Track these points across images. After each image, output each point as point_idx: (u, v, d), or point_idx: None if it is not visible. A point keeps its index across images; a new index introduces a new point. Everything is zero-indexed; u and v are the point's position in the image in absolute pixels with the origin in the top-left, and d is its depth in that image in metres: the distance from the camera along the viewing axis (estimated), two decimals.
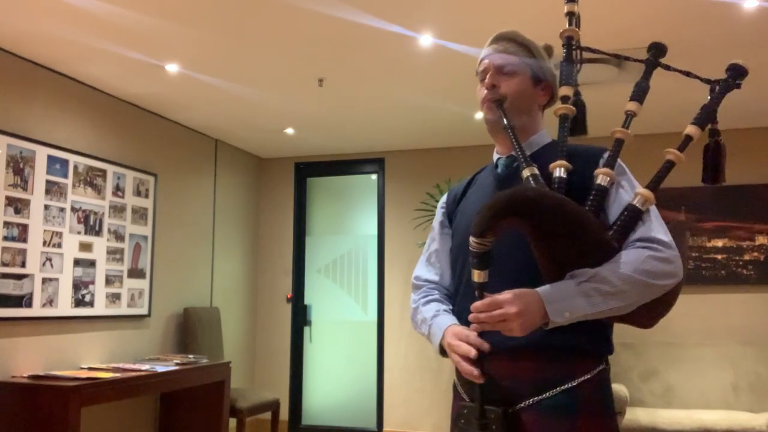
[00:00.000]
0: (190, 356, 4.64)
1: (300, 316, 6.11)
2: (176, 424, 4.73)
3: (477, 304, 1.35)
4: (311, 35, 3.49)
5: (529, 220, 1.33)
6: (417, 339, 5.66)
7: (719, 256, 5.09)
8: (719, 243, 5.10)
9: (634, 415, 4.44)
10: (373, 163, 6.07)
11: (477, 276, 1.36)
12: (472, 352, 1.36)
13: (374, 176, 6.13)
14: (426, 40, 3.52)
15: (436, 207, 5.86)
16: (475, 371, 1.36)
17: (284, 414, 5.89)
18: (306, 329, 6.13)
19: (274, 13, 3.22)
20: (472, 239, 1.33)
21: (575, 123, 1.61)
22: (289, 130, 5.37)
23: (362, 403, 5.89)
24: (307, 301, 6.16)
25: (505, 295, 1.32)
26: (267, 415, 5.24)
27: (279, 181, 6.28)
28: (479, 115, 4.86)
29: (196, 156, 5.38)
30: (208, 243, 5.48)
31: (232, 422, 4.80)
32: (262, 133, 5.48)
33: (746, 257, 5.05)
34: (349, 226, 6.32)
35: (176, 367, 4.18)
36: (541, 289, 1.34)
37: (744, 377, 4.71)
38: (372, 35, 3.46)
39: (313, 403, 6.05)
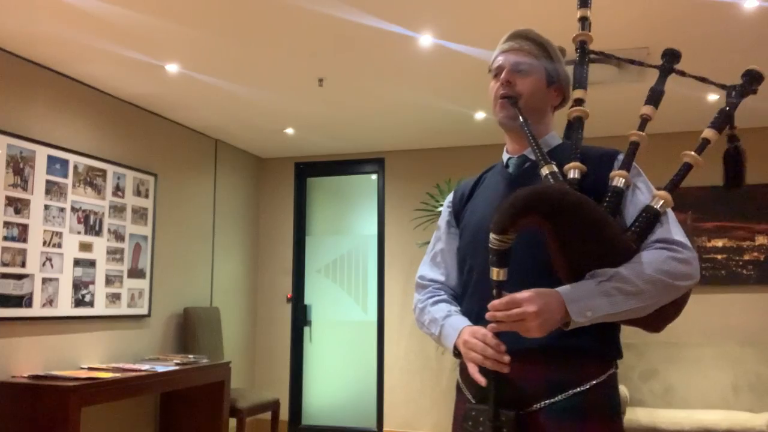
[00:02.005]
0: (190, 356, 4.64)
1: (300, 316, 6.11)
2: (176, 424, 4.73)
3: (495, 302, 1.33)
4: (311, 35, 3.49)
5: (550, 218, 1.31)
6: (417, 339, 5.66)
7: (719, 256, 5.09)
8: (719, 243, 5.10)
9: (634, 415, 4.44)
10: (373, 163, 6.06)
11: (496, 274, 1.33)
12: (506, 358, 1.34)
13: (374, 176, 6.13)
14: (426, 40, 3.52)
15: (436, 207, 5.89)
16: (505, 369, 1.34)
17: (284, 414, 5.89)
18: (306, 329, 6.13)
19: (274, 13, 3.22)
20: (492, 236, 1.31)
21: (579, 124, 1.61)
22: (289, 130, 5.37)
23: (362, 403, 5.89)
24: (307, 301, 6.16)
25: (525, 294, 1.30)
26: (267, 415, 5.24)
27: (279, 181, 6.28)
28: (479, 115, 4.87)
29: (196, 156, 5.38)
30: (208, 243, 5.48)
31: (232, 422, 4.80)
32: (262, 133, 5.48)
33: (746, 257, 5.05)
34: (349, 226, 6.32)
35: (176, 367, 4.18)
36: (561, 289, 1.33)
37: (744, 377, 4.71)
38: (372, 35, 3.46)
39: (313, 403, 6.05)
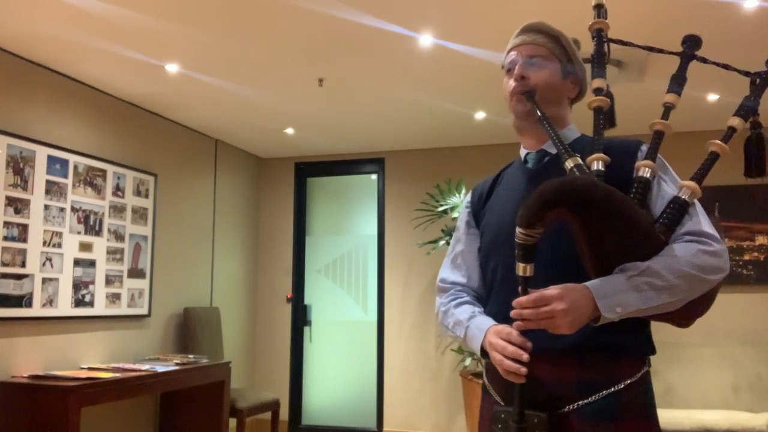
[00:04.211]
0: (190, 356, 4.64)
1: (300, 316, 6.11)
2: (176, 424, 4.73)
3: (521, 299, 1.28)
4: (311, 35, 3.49)
5: (579, 210, 1.27)
6: (417, 339, 5.66)
7: None
8: None
9: None
10: (373, 163, 6.06)
11: (522, 270, 1.29)
12: (524, 356, 1.30)
13: (374, 176, 6.13)
14: (426, 40, 3.52)
15: (436, 207, 5.88)
16: (523, 369, 1.30)
17: (284, 414, 5.89)
18: (306, 329, 6.13)
19: (274, 13, 3.22)
20: (518, 230, 1.27)
21: (604, 116, 1.56)
22: (289, 130, 5.37)
23: (362, 403, 5.89)
24: (307, 301, 6.16)
25: (553, 290, 1.26)
26: (267, 415, 5.24)
27: (279, 181, 6.28)
28: (479, 114, 4.87)
29: (196, 156, 5.38)
30: (208, 243, 5.48)
31: (232, 422, 4.79)
32: (262, 133, 5.48)
33: (746, 257, 5.05)
34: (349, 226, 6.32)
35: (176, 367, 4.18)
36: (590, 284, 1.29)
37: (744, 377, 4.71)
38: (372, 35, 3.46)
39: (313, 403, 6.05)
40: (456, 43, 3.56)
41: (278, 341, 6.07)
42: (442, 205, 5.23)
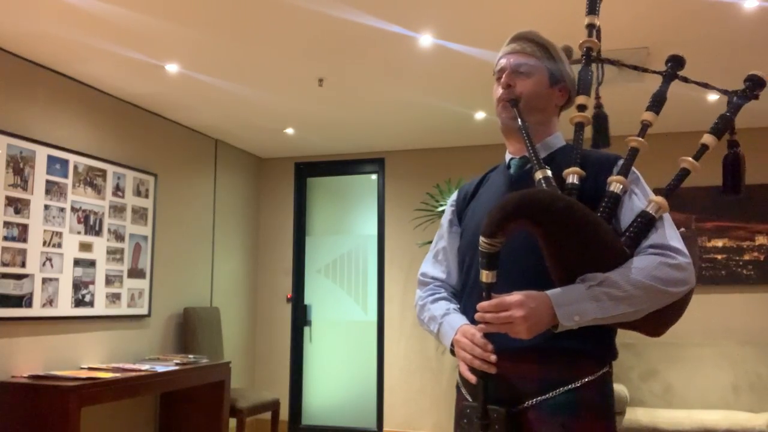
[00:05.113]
0: (190, 356, 4.64)
1: (300, 316, 6.11)
2: (176, 424, 4.73)
3: (483, 304, 1.35)
4: (311, 35, 3.49)
5: (540, 222, 1.32)
6: (417, 339, 5.66)
7: (719, 256, 5.09)
8: (719, 243, 5.10)
9: (634, 415, 4.43)
10: (373, 163, 6.06)
11: (485, 276, 1.35)
12: (492, 357, 1.36)
13: (374, 176, 6.13)
14: (426, 40, 3.52)
15: (436, 207, 5.89)
16: (492, 369, 1.36)
17: (284, 414, 5.89)
18: (306, 329, 6.13)
19: (274, 13, 3.23)
20: (481, 239, 1.32)
21: (597, 134, 1.61)
22: (289, 130, 5.37)
23: (362, 403, 5.89)
24: (307, 301, 6.16)
25: (513, 297, 1.32)
26: (267, 415, 5.24)
27: (279, 181, 6.28)
28: (479, 114, 4.87)
29: (196, 156, 5.38)
30: (208, 243, 5.48)
31: (232, 422, 4.80)
32: (262, 133, 5.48)
33: (746, 257, 5.05)
34: (349, 226, 6.32)
35: (176, 367, 4.18)
36: (550, 292, 1.34)
37: (744, 377, 4.71)
38: (372, 35, 3.46)
39: (313, 403, 6.05)
40: (456, 43, 3.56)
41: (278, 341, 6.07)
42: (442, 205, 5.23)
